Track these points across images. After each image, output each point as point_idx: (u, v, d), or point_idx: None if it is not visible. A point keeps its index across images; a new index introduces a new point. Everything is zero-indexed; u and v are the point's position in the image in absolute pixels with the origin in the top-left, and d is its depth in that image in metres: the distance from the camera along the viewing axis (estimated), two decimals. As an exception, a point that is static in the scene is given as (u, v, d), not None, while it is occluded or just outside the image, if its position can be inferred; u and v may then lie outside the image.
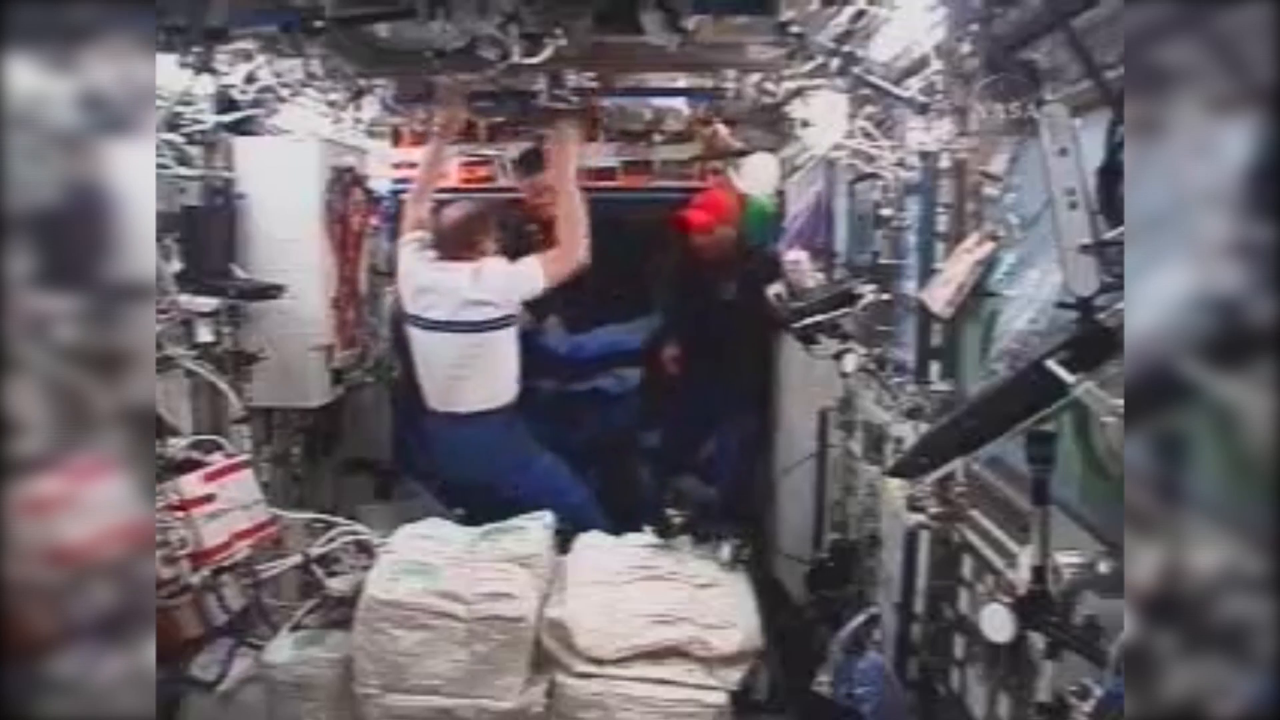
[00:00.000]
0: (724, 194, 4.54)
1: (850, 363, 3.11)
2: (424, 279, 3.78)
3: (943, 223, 2.54)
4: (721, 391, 4.58)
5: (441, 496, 4.10)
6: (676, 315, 4.80)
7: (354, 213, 4.13)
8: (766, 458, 4.81)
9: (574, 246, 3.69)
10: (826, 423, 3.76)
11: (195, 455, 2.93)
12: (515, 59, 2.75)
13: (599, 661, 2.79)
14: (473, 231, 3.78)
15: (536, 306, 4.29)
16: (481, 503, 3.61)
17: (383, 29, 3.24)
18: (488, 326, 3.67)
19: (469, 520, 3.39)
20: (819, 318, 3.14)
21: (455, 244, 3.76)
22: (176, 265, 3.26)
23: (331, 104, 3.98)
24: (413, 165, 4.72)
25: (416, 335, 3.83)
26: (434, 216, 3.93)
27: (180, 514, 2.67)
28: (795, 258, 3.48)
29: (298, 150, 3.77)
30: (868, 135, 3.05)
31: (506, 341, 3.73)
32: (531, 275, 3.67)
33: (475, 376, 3.71)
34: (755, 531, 4.24)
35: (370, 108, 4.14)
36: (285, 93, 3.50)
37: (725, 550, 3.22)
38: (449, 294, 3.70)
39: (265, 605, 2.99)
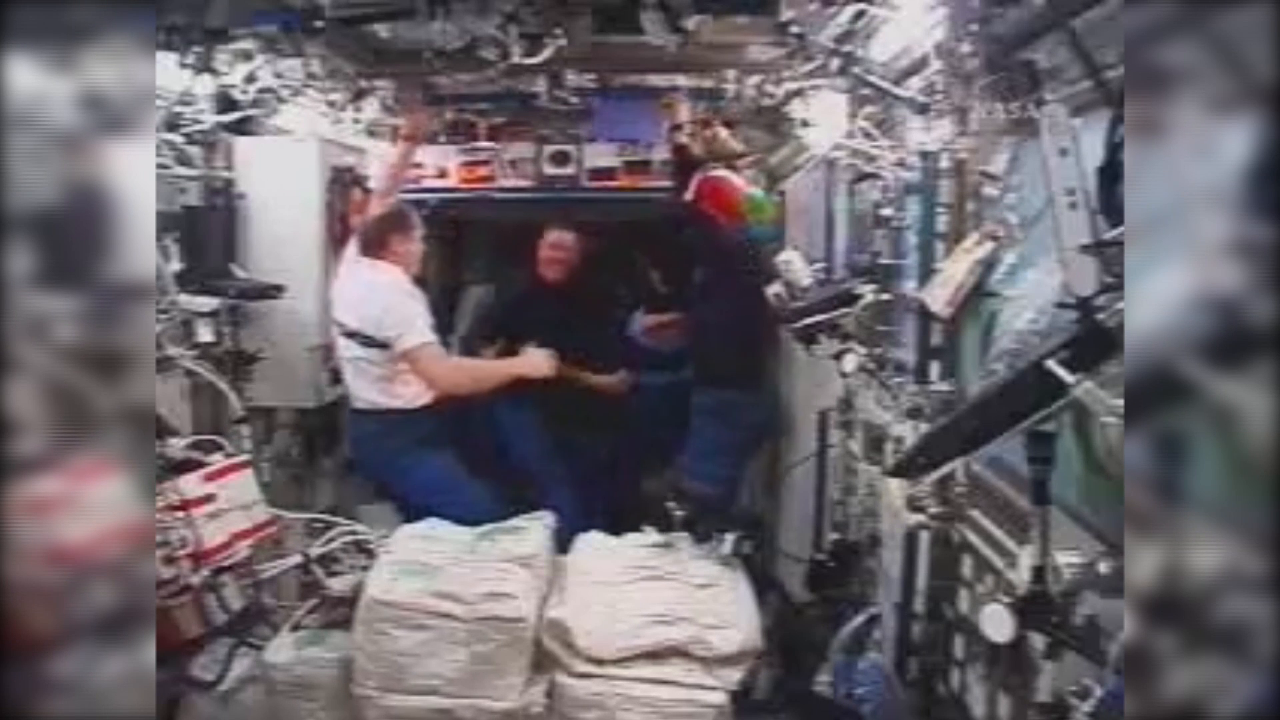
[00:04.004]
0: (730, 188, 4.53)
1: (850, 363, 3.11)
2: (343, 275, 3.79)
3: (943, 223, 2.54)
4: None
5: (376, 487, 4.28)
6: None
7: (354, 213, 4.13)
8: (768, 457, 4.81)
9: (448, 386, 3.72)
10: (827, 423, 3.76)
11: (195, 455, 2.93)
12: (515, 59, 2.76)
13: (599, 661, 2.79)
14: (388, 231, 3.76)
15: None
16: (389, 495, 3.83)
17: (383, 29, 3.24)
18: (366, 342, 3.66)
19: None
20: (819, 318, 3.14)
21: (374, 242, 3.75)
22: (176, 265, 3.26)
23: (331, 104, 3.98)
24: (413, 165, 4.74)
25: (336, 335, 3.82)
26: (362, 214, 3.97)
27: (180, 514, 2.67)
28: (787, 258, 3.47)
29: (298, 150, 3.77)
30: (868, 135, 3.05)
31: (386, 357, 3.68)
32: (399, 341, 3.59)
33: (366, 378, 3.72)
34: (755, 530, 4.24)
35: (370, 108, 4.14)
36: (285, 93, 3.50)
37: (727, 543, 3.21)
38: (348, 295, 3.72)
39: (265, 605, 2.99)
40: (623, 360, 4.95)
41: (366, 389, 3.74)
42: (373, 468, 4.04)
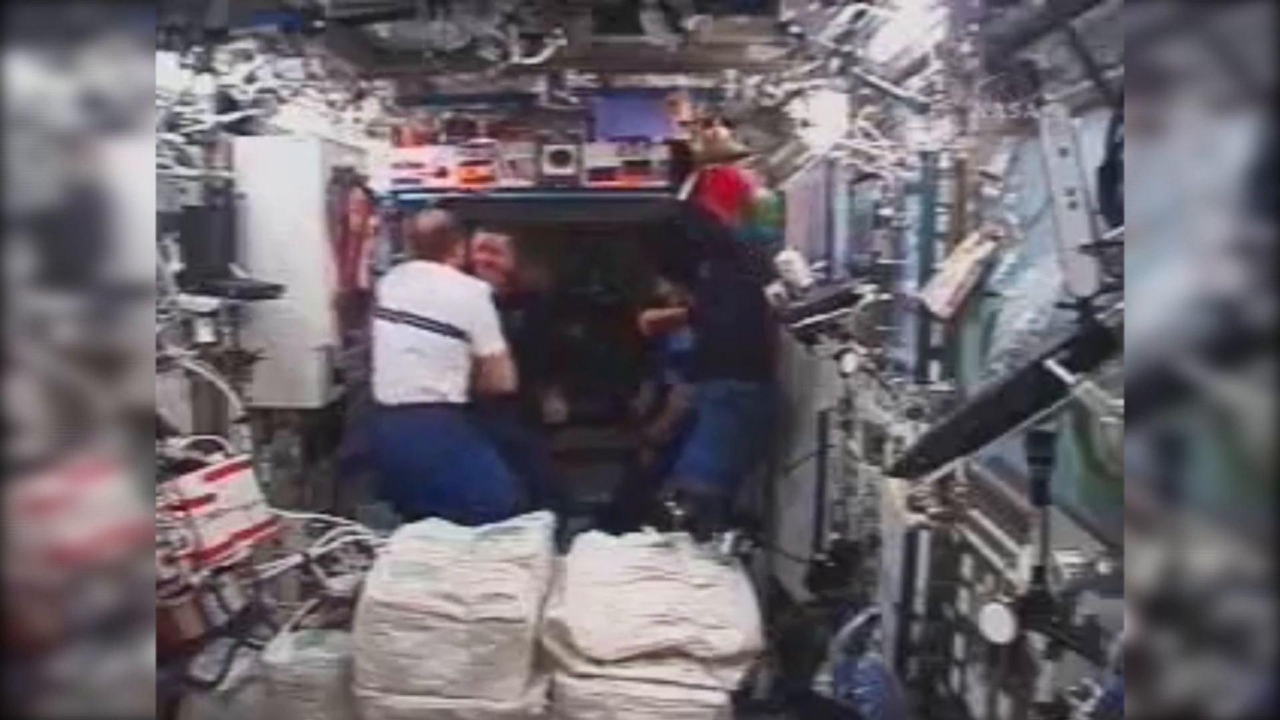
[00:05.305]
0: (733, 181, 4.54)
1: (850, 363, 3.11)
2: (401, 274, 4.08)
3: (943, 223, 2.54)
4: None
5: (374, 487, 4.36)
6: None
7: (354, 213, 4.13)
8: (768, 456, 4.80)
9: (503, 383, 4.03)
10: (827, 423, 3.76)
11: (195, 455, 2.93)
12: (515, 59, 2.76)
13: (599, 662, 2.79)
14: (449, 239, 4.10)
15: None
16: (413, 489, 3.89)
17: (383, 29, 3.24)
18: (444, 330, 3.91)
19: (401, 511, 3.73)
20: (819, 318, 3.14)
21: (430, 249, 4.07)
22: (176, 265, 3.25)
23: (331, 104, 3.98)
24: (413, 165, 4.76)
25: (380, 326, 4.02)
26: (409, 223, 4.25)
27: (180, 514, 2.67)
28: (787, 258, 3.47)
29: (298, 150, 3.77)
30: (868, 135, 3.05)
31: (455, 349, 3.95)
32: (484, 345, 3.94)
33: (421, 369, 3.92)
34: (755, 530, 4.24)
35: (370, 108, 4.15)
36: (285, 93, 3.50)
37: (727, 543, 3.21)
38: (420, 290, 3.97)
39: (265, 605, 2.99)
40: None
41: (408, 381, 3.90)
42: (410, 461, 3.99)
